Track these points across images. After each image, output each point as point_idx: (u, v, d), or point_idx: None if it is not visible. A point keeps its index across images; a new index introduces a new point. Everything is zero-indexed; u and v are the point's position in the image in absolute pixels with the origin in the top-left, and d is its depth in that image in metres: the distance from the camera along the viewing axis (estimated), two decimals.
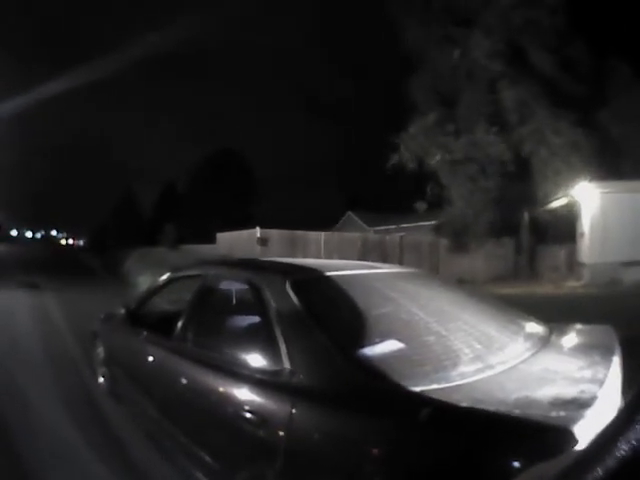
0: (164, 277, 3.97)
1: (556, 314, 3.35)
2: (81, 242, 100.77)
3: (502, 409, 1.46)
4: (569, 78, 15.84)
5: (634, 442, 0.57)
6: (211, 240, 22.81)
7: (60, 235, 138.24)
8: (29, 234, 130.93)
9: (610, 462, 0.57)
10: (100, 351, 4.49)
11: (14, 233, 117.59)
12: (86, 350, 5.19)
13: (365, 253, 17.21)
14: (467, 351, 1.98)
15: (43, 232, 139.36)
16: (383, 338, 2.02)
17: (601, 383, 1.67)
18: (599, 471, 0.58)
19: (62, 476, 2.99)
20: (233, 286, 3.63)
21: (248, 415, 1.98)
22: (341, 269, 2.86)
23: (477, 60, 16.78)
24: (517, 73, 16.38)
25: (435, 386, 1.64)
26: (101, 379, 4.43)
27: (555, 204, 16.28)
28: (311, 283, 2.52)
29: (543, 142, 16.05)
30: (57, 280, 15.50)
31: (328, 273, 2.65)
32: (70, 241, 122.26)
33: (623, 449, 0.57)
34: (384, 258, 16.75)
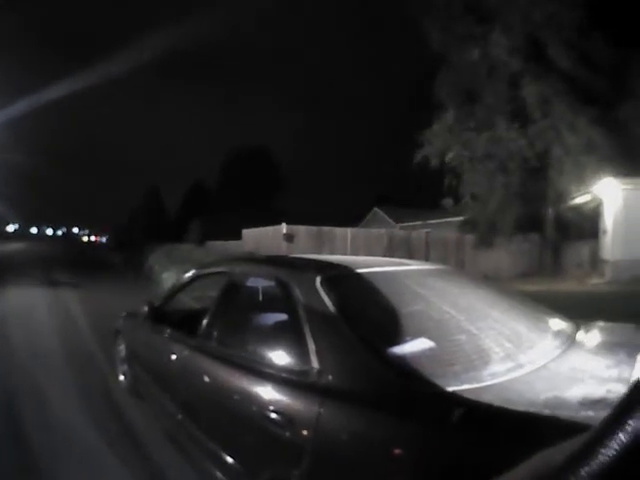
0: (189, 274, 3.91)
1: (580, 311, 3.20)
2: (104, 239, 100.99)
3: (532, 409, 1.46)
4: (589, 73, 15.79)
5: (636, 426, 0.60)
6: (237, 236, 22.56)
7: (82, 232, 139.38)
8: (49, 231, 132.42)
9: (615, 447, 0.59)
10: (121, 349, 4.50)
11: (34, 230, 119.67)
12: (106, 347, 5.21)
13: (391, 249, 17.24)
14: (497, 350, 1.97)
15: (64, 229, 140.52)
16: (414, 337, 2.00)
17: (627, 382, 1.58)
18: (605, 456, 0.59)
19: (79, 475, 3.01)
20: (260, 283, 3.52)
21: (274, 415, 1.96)
22: (371, 266, 2.82)
23: (498, 57, 16.92)
24: (538, 69, 16.38)
25: (466, 386, 1.63)
26: (122, 377, 4.44)
27: (578, 200, 16.25)
28: (341, 280, 2.46)
29: (563, 139, 16.09)
30: (78, 276, 15.55)
31: (358, 270, 2.61)
32: (92, 238, 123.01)
33: (627, 433, 0.59)
34: (410, 254, 16.86)
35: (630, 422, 0.59)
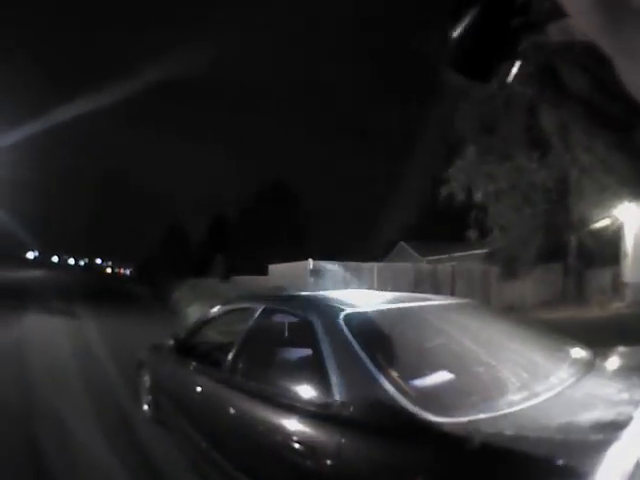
0: (215, 309, 4.03)
1: (599, 337, 3.33)
2: (127, 271, 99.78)
3: (545, 435, 1.53)
4: (605, 97, 15.99)
5: None
6: (263, 272, 22.58)
7: (105, 264, 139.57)
8: (71, 261, 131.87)
9: None
10: (146, 379, 4.60)
11: (55, 259, 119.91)
12: (131, 378, 5.26)
13: (418, 283, 17.14)
14: (514, 380, 2.04)
15: (87, 260, 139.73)
16: (434, 370, 2.08)
17: (637, 404, 1.71)
18: None
19: None
20: (285, 319, 3.59)
21: (297, 445, 2.03)
22: (394, 302, 2.96)
23: (513, 86, 17.16)
24: (553, 95, 16.60)
25: (483, 415, 1.70)
26: (145, 407, 4.57)
27: (599, 225, 16.18)
28: (364, 317, 2.54)
29: (584, 165, 16.13)
30: (105, 307, 15.77)
31: (381, 307, 2.75)
32: (116, 270, 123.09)
33: None
34: (436, 287, 16.81)
35: None
